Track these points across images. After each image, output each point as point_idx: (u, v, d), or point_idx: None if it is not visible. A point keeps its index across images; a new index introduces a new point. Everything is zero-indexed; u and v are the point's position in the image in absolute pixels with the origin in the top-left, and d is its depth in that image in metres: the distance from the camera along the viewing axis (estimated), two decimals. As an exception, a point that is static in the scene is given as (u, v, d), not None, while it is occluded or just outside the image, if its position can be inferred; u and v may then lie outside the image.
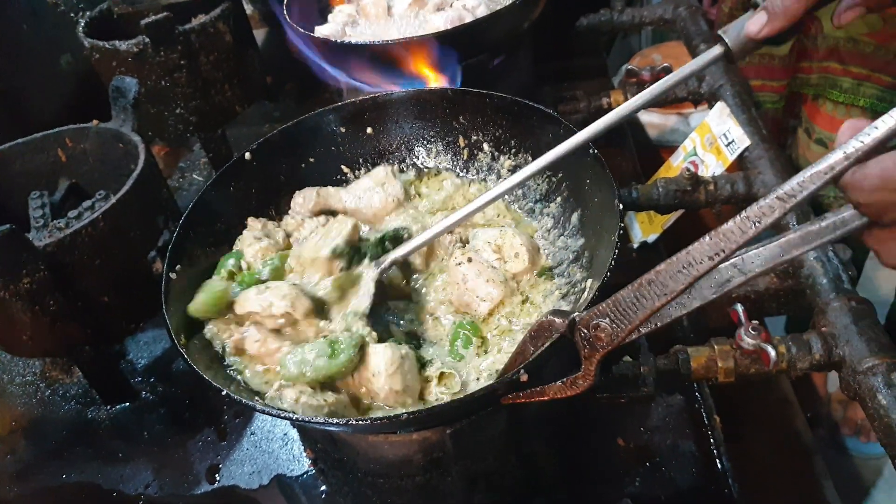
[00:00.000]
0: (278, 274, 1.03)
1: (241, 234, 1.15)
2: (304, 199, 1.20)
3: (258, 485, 1.21)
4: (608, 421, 1.20)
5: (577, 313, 0.71)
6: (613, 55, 2.91)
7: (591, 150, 1.03)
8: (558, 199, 1.15)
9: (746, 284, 0.73)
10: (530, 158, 1.17)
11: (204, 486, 1.23)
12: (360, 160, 1.29)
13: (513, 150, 1.21)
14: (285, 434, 1.28)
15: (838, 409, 2.50)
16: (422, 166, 1.28)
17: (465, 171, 1.26)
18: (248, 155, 1.18)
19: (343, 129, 1.26)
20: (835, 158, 0.59)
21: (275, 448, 1.27)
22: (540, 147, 1.14)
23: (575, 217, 1.11)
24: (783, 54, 1.88)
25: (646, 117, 2.05)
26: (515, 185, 0.99)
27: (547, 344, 0.73)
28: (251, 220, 1.16)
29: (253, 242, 1.09)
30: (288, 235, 1.17)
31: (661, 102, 1.55)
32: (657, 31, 2.95)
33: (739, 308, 0.95)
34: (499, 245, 1.07)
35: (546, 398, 0.75)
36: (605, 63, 2.08)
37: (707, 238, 0.61)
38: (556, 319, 0.72)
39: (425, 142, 1.27)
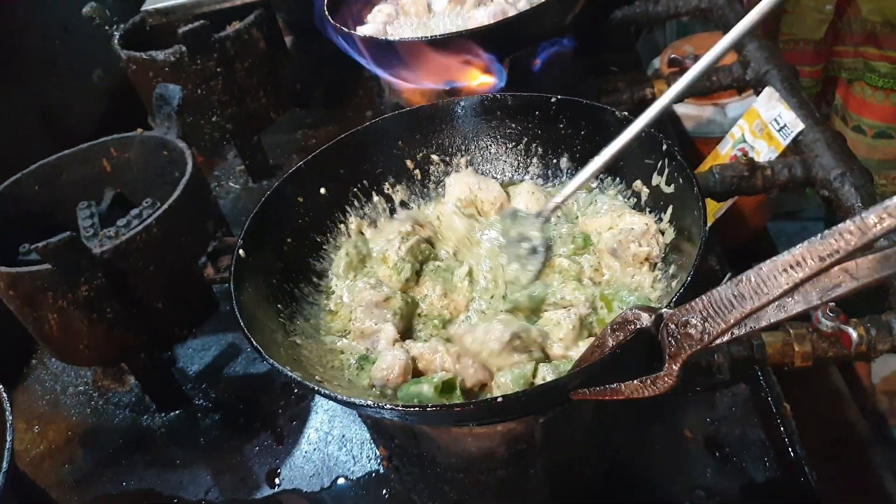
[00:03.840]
0: None
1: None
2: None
3: (320, 487, 1.20)
4: (672, 412, 1.18)
5: (665, 308, 0.68)
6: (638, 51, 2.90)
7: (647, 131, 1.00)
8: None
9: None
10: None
11: (265, 489, 1.22)
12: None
13: (576, 152, 1.18)
14: (343, 436, 1.27)
15: (884, 401, 2.45)
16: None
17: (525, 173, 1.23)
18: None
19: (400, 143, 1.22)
20: None
21: (333, 450, 1.26)
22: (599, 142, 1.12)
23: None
24: (818, 38, 1.86)
25: (682, 109, 2.03)
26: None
27: (628, 338, 0.70)
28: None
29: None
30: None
31: (704, 90, 1.53)
32: (681, 24, 2.93)
33: (815, 290, 0.93)
34: None
35: (620, 397, 0.72)
36: (637, 57, 2.07)
37: (818, 237, 0.55)
38: (642, 314, 0.68)
39: (483, 150, 1.24)
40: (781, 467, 1.08)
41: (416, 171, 1.21)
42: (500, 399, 0.72)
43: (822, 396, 1.87)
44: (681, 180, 0.99)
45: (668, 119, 1.79)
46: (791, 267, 0.57)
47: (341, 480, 1.20)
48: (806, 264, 0.56)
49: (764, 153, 1.38)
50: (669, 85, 1.54)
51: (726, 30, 1.65)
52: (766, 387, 1.18)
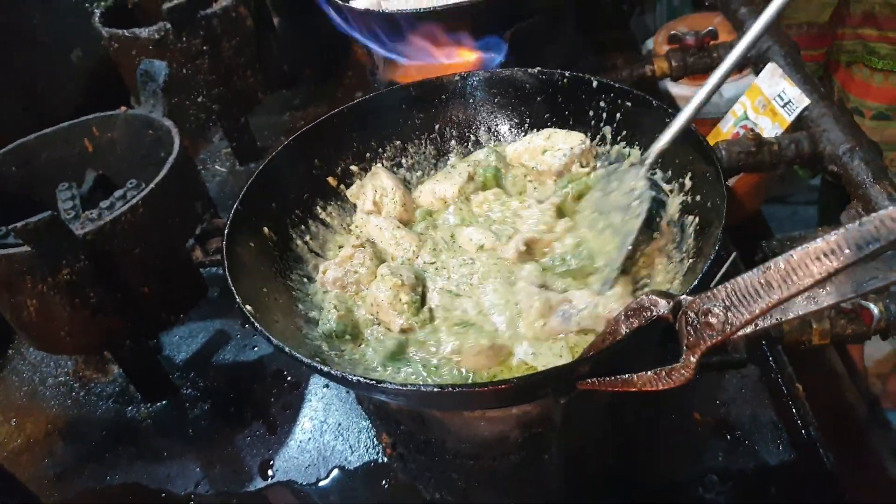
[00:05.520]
0: None
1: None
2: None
3: (316, 478, 1.16)
4: (680, 395, 1.15)
5: (684, 296, 0.63)
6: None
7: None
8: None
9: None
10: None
11: (258, 481, 1.17)
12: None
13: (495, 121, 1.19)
14: (339, 424, 1.23)
15: (877, 384, 2.45)
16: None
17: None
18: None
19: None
20: None
21: (329, 439, 1.21)
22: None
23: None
24: (823, 21, 1.84)
25: (676, 90, 1.99)
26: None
27: (643, 326, 0.66)
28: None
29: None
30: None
31: (705, 68, 1.50)
32: (671, 7, 2.91)
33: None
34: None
35: (631, 389, 0.67)
36: (632, 36, 2.03)
37: (856, 224, 0.50)
38: (660, 300, 0.64)
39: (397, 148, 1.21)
40: (795, 449, 1.05)
41: (341, 187, 1.16)
42: (505, 383, 0.67)
43: (821, 377, 1.85)
44: (629, 104, 1.03)
45: (663, 99, 1.75)
46: (825, 255, 0.51)
47: (338, 471, 1.16)
48: (842, 253, 0.51)
49: (768, 130, 1.34)
50: (670, 63, 1.51)
51: (724, 6, 1.63)
52: (776, 367, 1.15)
